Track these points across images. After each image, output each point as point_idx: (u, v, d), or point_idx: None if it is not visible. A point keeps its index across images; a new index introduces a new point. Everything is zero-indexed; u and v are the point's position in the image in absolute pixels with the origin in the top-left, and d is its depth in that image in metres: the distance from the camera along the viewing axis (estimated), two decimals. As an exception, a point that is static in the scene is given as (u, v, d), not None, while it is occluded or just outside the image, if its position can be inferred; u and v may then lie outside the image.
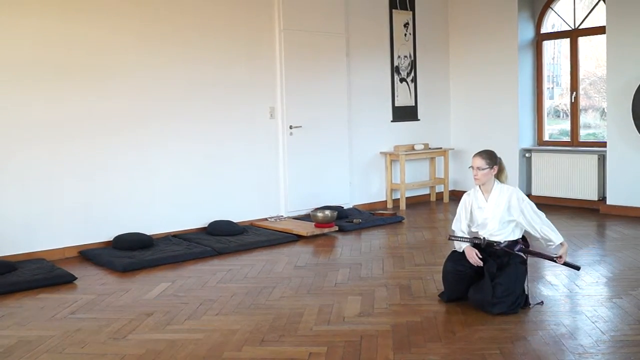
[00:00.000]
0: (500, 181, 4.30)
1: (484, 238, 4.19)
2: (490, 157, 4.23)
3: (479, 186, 4.29)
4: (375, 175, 8.42)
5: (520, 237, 4.26)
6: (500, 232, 4.19)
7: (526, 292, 4.13)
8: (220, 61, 6.88)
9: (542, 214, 4.23)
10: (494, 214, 4.21)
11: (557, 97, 8.92)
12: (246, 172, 7.14)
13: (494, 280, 4.02)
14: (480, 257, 4.13)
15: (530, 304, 4.10)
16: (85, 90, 5.98)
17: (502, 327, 3.76)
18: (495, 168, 4.23)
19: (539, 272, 4.94)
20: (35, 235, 5.74)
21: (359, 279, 4.94)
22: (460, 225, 4.33)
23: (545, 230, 4.17)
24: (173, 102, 6.55)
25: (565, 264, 4.34)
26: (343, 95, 7.94)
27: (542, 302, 4.18)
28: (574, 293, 4.43)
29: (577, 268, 4.42)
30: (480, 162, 4.19)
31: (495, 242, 4.18)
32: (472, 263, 4.12)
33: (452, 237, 4.26)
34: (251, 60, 7.13)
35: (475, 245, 4.22)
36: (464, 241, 4.21)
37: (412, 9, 8.67)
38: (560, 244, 4.18)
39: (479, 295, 4.03)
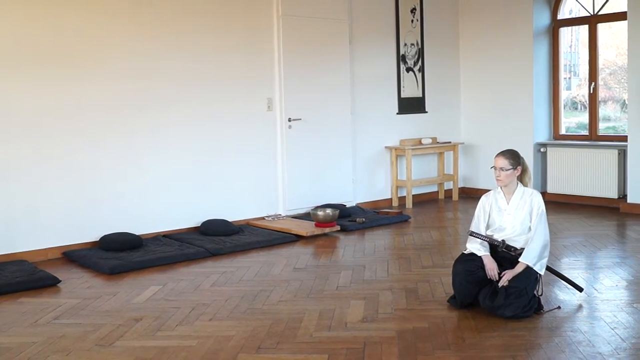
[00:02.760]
0: (523, 183, 4.32)
1: (503, 241, 4.21)
2: (514, 157, 4.25)
3: (501, 188, 4.31)
4: (379, 172, 8.42)
5: None
6: (520, 238, 4.23)
7: (538, 295, 4.13)
8: (213, 50, 6.87)
9: (545, 231, 4.19)
10: (515, 217, 4.24)
11: (574, 87, 8.91)
12: (242, 168, 7.14)
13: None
14: (498, 271, 4.15)
15: (543, 308, 4.11)
16: (71, 80, 5.98)
17: (516, 333, 3.76)
18: (519, 169, 4.26)
19: (554, 275, 4.93)
20: (16, 235, 5.74)
21: (362, 282, 4.94)
22: (478, 229, 4.34)
23: (533, 245, 4.13)
24: (163, 93, 6.54)
25: (569, 282, 4.47)
26: (346, 85, 7.93)
27: (559, 306, 4.19)
28: (592, 297, 4.42)
29: (580, 289, 4.47)
30: (504, 163, 4.21)
31: (513, 247, 4.20)
32: (490, 276, 4.14)
33: (473, 233, 4.28)
34: (247, 48, 7.12)
35: (491, 247, 4.24)
36: (484, 239, 4.22)
37: (420, -7, 8.67)
38: (521, 262, 4.11)
39: (489, 301, 4.04)
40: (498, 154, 4.29)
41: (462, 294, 4.19)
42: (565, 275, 4.60)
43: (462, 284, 4.18)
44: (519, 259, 4.11)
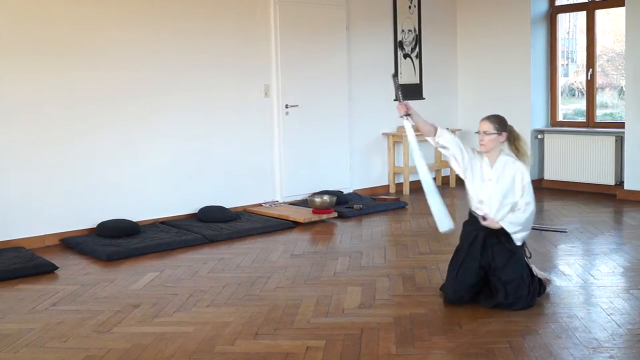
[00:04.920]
0: (518, 151, 4.10)
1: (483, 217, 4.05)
2: (500, 122, 4.05)
3: (484, 155, 4.12)
4: (376, 158, 8.41)
5: None
6: (498, 214, 4.02)
7: (537, 277, 4.07)
8: (210, 36, 6.84)
9: (534, 203, 4.04)
10: (495, 188, 4.04)
11: (572, 74, 8.89)
12: (239, 154, 7.13)
13: (501, 279, 3.95)
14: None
15: (546, 290, 4.10)
16: (65, 66, 5.94)
17: (512, 319, 3.77)
18: (504, 135, 4.05)
19: (551, 262, 4.95)
20: (13, 222, 5.73)
21: (360, 268, 4.95)
22: (459, 146, 4.15)
23: (520, 215, 3.98)
24: (158, 80, 6.51)
25: (552, 230, 4.28)
26: (343, 72, 7.91)
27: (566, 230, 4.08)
28: (588, 284, 4.44)
29: (564, 231, 4.32)
30: (488, 126, 4.03)
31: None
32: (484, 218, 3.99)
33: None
34: (244, 34, 7.09)
35: (473, 219, 4.12)
36: (478, 216, 4.03)
37: (417, -21, 8.63)
38: (503, 224, 3.98)
39: (490, 301, 3.96)
40: (483, 118, 4.09)
41: (454, 284, 4.07)
42: (562, 260, 4.61)
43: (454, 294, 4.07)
44: (501, 223, 3.97)
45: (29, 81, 5.77)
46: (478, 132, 4.09)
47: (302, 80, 7.51)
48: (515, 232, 3.99)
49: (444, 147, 4.22)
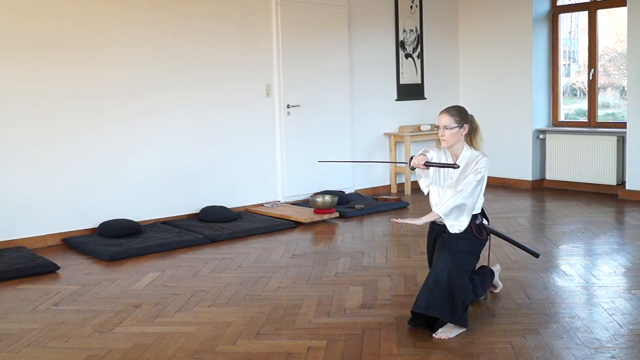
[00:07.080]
0: (475, 145, 3.89)
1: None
2: (461, 114, 3.80)
3: (445, 150, 3.86)
4: (378, 158, 8.40)
5: (479, 211, 3.87)
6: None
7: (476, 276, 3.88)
8: (211, 35, 6.84)
9: (472, 194, 3.73)
10: (456, 185, 3.78)
11: (573, 74, 8.88)
12: (241, 154, 7.13)
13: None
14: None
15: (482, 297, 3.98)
16: (68, 65, 5.95)
17: (514, 319, 3.77)
18: (466, 127, 3.81)
19: (553, 262, 4.95)
20: (14, 222, 5.74)
21: (361, 268, 4.95)
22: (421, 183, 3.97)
23: (448, 200, 3.74)
24: (160, 79, 6.52)
25: (524, 248, 4.13)
26: (344, 72, 7.91)
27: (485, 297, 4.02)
28: (590, 284, 4.43)
29: (536, 255, 4.20)
30: (448, 120, 3.77)
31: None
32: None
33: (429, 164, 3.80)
34: (245, 34, 7.09)
35: (436, 225, 3.96)
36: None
37: (419, -21, 8.63)
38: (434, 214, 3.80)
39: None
40: (442, 110, 3.82)
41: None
42: (564, 261, 4.60)
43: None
44: (434, 209, 3.77)
45: (31, 79, 5.77)
46: (437, 127, 3.86)
47: (303, 80, 7.52)
48: (443, 217, 3.76)
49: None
